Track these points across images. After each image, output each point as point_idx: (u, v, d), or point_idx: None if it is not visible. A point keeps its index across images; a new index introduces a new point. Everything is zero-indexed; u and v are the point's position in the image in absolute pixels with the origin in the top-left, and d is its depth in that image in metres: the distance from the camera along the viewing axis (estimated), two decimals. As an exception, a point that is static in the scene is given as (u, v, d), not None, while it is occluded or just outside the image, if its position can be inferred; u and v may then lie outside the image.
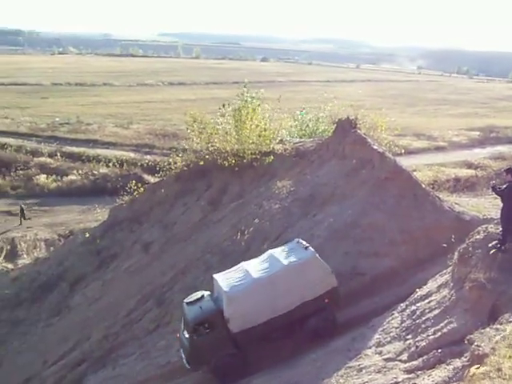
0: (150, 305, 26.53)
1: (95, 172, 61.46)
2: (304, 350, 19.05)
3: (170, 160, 36.81)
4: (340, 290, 19.90)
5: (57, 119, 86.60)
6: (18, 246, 46.30)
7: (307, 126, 42.56)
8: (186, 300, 20.54)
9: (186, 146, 36.05)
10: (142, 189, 37.31)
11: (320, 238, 23.42)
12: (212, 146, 33.80)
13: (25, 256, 45.11)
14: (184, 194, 34.64)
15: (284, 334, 19.64)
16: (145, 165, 59.79)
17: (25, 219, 50.89)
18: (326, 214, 25.16)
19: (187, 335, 19.76)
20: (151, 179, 52.01)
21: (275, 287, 19.27)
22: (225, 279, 19.97)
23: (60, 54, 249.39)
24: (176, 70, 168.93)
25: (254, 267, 20.05)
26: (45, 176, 61.50)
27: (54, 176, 61.63)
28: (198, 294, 20.49)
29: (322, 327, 19.57)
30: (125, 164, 62.38)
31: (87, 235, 38.62)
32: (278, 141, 33.92)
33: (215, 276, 20.59)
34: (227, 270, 20.84)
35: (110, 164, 62.26)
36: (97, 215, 44.57)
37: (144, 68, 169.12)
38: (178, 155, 36.49)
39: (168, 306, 25.61)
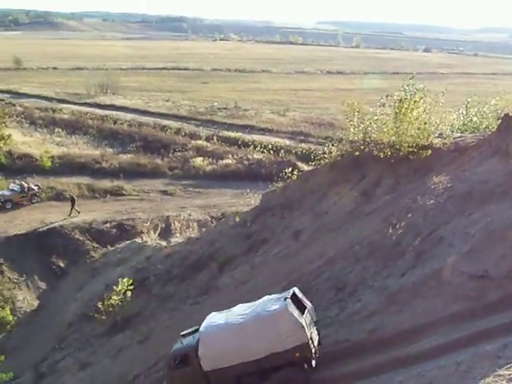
0: (296, 292, 26.47)
1: (250, 157, 62.47)
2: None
3: (325, 149, 36.60)
4: (310, 348, 19.53)
5: (215, 104, 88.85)
6: (172, 225, 47.94)
7: (470, 120, 40.90)
8: (182, 332, 21.96)
9: (343, 136, 35.63)
10: (295, 176, 37.37)
11: (475, 238, 22.39)
12: (369, 136, 33.20)
13: (178, 235, 46.67)
14: (337, 184, 34.29)
15: (255, 381, 19.98)
16: (299, 152, 60.18)
17: (76, 211, 49.74)
18: (484, 214, 23.95)
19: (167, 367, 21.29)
20: (305, 167, 52.06)
21: (245, 334, 19.79)
22: (211, 318, 21.15)
23: (221, 40, 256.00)
24: (335, 58, 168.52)
25: (237, 312, 20.83)
26: (201, 159, 63.27)
27: (209, 159, 63.28)
28: (194, 328, 21.55)
29: (293, 380, 19.64)
30: (280, 151, 62.92)
31: (238, 219, 39.27)
32: (437, 135, 32.81)
33: (210, 314, 21.67)
34: (226, 310, 21.61)
35: (265, 150, 63.02)
36: (249, 200, 45.17)
37: (303, 56, 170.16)
38: (333, 145, 36.22)
39: (313, 295, 25.39)
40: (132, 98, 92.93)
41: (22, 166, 60.83)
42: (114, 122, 75.70)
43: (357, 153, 33.65)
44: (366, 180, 33.14)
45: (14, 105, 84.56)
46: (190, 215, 49.39)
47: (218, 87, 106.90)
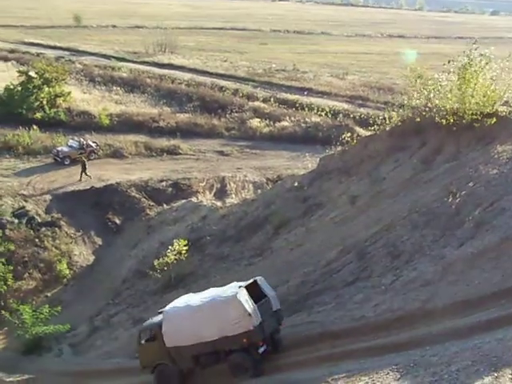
0: (351, 257, 26.35)
1: (307, 120, 61.93)
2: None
3: (385, 114, 35.99)
4: (258, 335, 21.19)
5: (273, 65, 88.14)
6: (228, 186, 48.11)
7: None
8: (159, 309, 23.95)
9: (404, 102, 34.91)
10: (354, 141, 36.94)
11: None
12: (431, 103, 32.44)
13: (233, 196, 46.82)
14: (396, 150, 33.76)
15: (211, 362, 22.14)
16: (357, 117, 59.40)
17: (86, 175, 49.14)
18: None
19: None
20: (362, 132, 51.41)
21: (200, 316, 21.58)
22: (179, 299, 23.38)
23: (280, 0, 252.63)
24: (396, 21, 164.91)
25: (201, 295, 22.69)
26: (258, 120, 62.98)
27: (266, 121, 62.92)
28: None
29: (241, 364, 21.58)
30: (338, 115, 62.30)
31: (295, 181, 39.11)
32: (502, 102, 31.84)
33: (184, 296, 23.90)
34: (199, 293, 23.48)
35: (323, 113, 62.43)
36: (306, 163, 44.98)
37: (364, 18, 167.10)
38: (393, 110, 35.59)
39: (369, 261, 25.35)
40: (190, 58, 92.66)
41: (80, 123, 61.46)
42: (172, 81, 75.74)
43: (418, 119, 33.01)
44: (427, 147, 32.54)
45: (74, 62, 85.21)
46: (245, 176, 49.44)
47: (277, 48, 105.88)
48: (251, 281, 22.46)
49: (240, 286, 21.63)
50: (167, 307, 22.85)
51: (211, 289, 23.30)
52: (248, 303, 20.99)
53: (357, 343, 20.46)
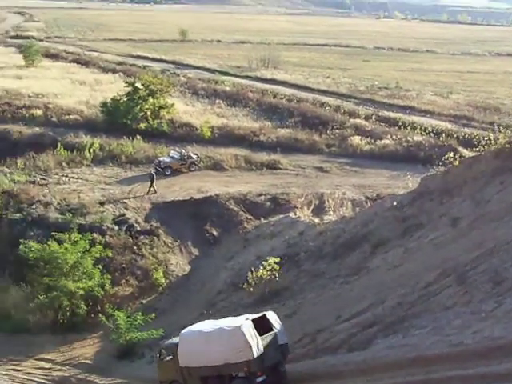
0: (450, 281, 25.58)
1: (409, 139, 60.79)
2: None
3: (491, 135, 35.00)
4: (257, 365, 22.91)
5: (376, 83, 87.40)
6: (326, 203, 47.77)
7: None
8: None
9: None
10: (457, 161, 36.04)
11: None
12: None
13: (331, 212, 46.44)
14: (502, 172, 32.61)
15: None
16: (461, 137, 58.07)
17: (153, 188, 49.23)
18: None
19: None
20: (466, 152, 50.08)
21: (209, 342, 23.73)
22: (196, 324, 26.01)
23: (385, 18, 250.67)
24: (506, 39, 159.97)
25: (215, 323, 24.99)
26: (359, 137, 62.41)
27: (367, 138, 62.30)
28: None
29: None
30: (441, 134, 61.04)
31: (395, 201, 38.48)
32: None
33: (204, 321, 26.41)
34: (215, 320, 26.12)
35: (425, 132, 61.34)
36: (406, 182, 44.21)
37: (470, 36, 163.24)
38: (500, 131, 34.57)
39: (469, 286, 24.54)
40: (292, 73, 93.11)
41: (182, 134, 62.71)
42: (274, 96, 76.23)
43: (526, 141, 31.94)
44: (536, 170, 31.38)
45: (178, 75, 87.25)
46: (344, 194, 48.95)
47: (380, 66, 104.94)
48: (260, 314, 24.34)
49: (247, 319, 23.62)
50: (184, 330, 25.53)
51: (228, 318, 25.83)
52: (251, 335, 22.84)
53: (454, 370, 19.69)
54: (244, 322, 23.20)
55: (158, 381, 26.60)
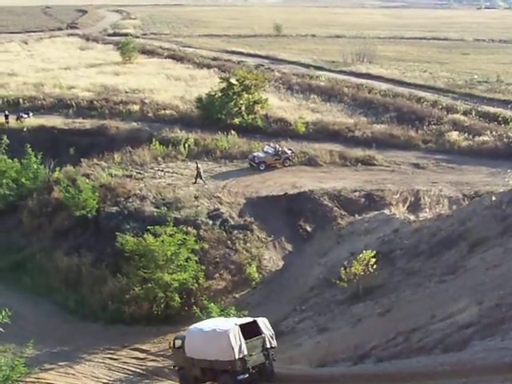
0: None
1: (510, 135, 58.95)
2: None
3: None
4: (239, 365, 26.45)
5: (475, 77, 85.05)
6: (422, 200, 46.90)
7: None
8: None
9: None
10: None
11: None
12: None
13: (427, 210, 45.59)
14: None
15: (211, 376, 28.29)
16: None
17: (201, 179, 49.77)
18: None
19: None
20: None
21: (205, 340, 27.95)
22: (203, 322, 30.35)
23: (487, 8, 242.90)
24: None
25: (214, 323, 28.90)
26: (457, 133, 60.82)
27: (465, 134, 60.64)
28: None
29: None
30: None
31: (494, 199, 37.39)
32: None
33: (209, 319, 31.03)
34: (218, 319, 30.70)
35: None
36: (507, 180, 42.92)
37: None
38: None
39: None
40: (388, 68, 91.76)
41: (277, 129, 62.84)
42: (369, 91, 75.33)
43: None
44: None
45: (273, 70, 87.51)
46: (441, 191, 47.87)
47: (480, 59, 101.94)
48: (251, 320, 28.06)
49: (236, 324, 27.17)
50: (191, 326, 29.81)
51: (232, 318, 30.07)
52: (235, 339, 26.39)
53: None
54: (231, 327, 26.89)
55: (173, 365, 31.02)
